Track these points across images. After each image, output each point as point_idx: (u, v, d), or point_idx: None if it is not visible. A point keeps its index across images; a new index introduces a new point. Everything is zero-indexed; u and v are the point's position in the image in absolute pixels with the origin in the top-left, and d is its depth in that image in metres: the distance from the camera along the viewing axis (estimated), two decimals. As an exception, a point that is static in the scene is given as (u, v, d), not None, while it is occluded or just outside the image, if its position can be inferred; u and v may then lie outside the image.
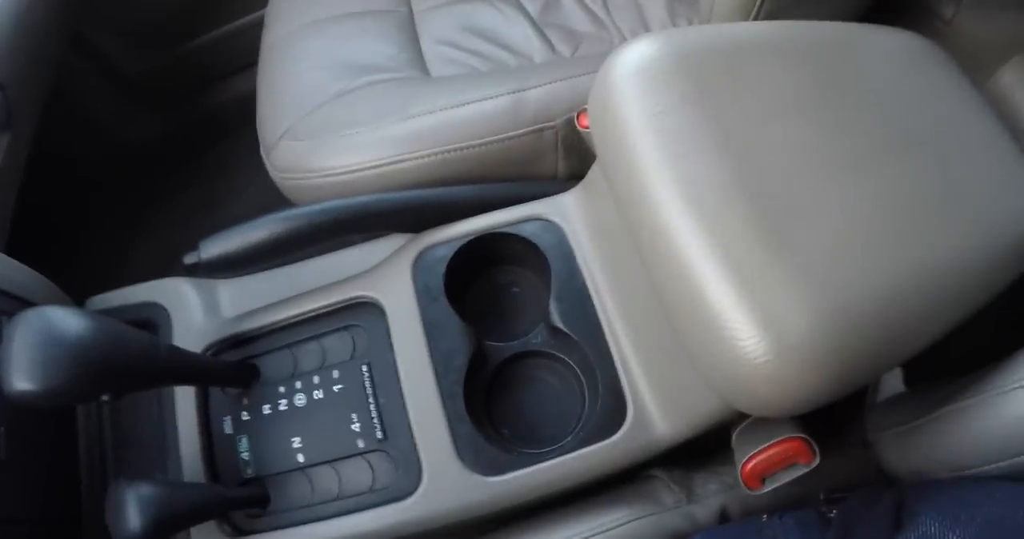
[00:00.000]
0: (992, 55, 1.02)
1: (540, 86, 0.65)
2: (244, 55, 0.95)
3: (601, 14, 0.80)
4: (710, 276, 0.40)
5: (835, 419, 0.57)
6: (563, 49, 0.76)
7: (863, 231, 0.42)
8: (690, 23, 0.79)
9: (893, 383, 0.68)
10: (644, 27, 0.79)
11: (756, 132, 0.45)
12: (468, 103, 0.64)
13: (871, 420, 0.54)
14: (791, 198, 0.42)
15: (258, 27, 0.86)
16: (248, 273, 0.63)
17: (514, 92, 0.65)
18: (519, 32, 0.76)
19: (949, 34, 1.05)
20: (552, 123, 0.64)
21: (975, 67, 1.02)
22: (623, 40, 0.77)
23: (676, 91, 0.45)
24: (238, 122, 0.92)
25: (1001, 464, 0.40)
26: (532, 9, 0.80)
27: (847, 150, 0.45)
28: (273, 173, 0.70)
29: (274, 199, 0.70)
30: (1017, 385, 0.39)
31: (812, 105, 0.47)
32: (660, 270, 0.44)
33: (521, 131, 0.63)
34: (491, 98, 0.64)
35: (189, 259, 0.56)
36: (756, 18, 0.66)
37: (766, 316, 0.38)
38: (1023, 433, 0.39)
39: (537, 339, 0.58)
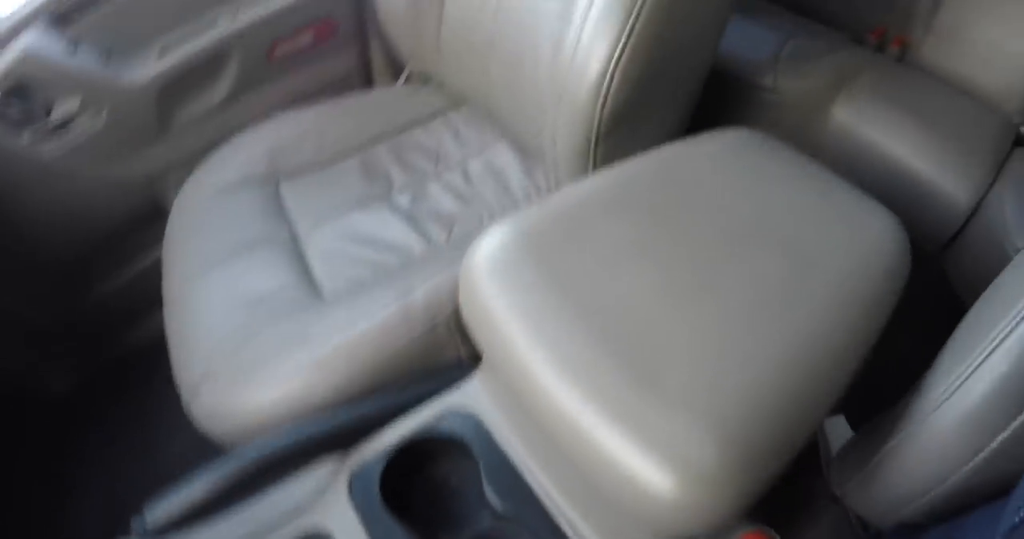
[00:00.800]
0: (821, 100, 1.18)
1: (424, 284, 0.72)
2: (152, 296, 0.99)
3: (466, 191, 0.89)
4: (602, 432, 0.45)
5: (797, 482, 0.62)
6: (439, 235, 0.84)
7: (727, 346, 0.48)
8: (545, 177, 0.89)
9: (840, 430, 0.73)
10: (506, 191, 0.89)
11: (605, 288, 0.52)
12: (363, 321, 0.70)
13: (832, 476, 0.59)
14: (653, 339, 0.48)
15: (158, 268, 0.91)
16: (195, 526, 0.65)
17: (401, 297, 0.71)
18: (396, 231, 0.84)
19: (777, 97, 1.22)
20: (442, 316, 0.70)
21: (810, 115, 1.18)
22: (491, 210, 0.87)
23: (527, 274, 0.53)
24: (157, 363, 0.95)
25: (959, 478, 0.45)
26: (403, 202, 0.88)
27: (690, 274, 0.53)
28: (197, 422, 0.72)
29: (205, 438, 0.72)
30: (942, 401, 0.45)
31: (649, 243, 0.55)
32: (560, 436, 0.49)
33: (416, 334, 0.69)
34: (382, 309, 0.70)
35: (136, 527, 0.57)
36: (594, 161, 0.77)
37: (663, 454, 0.43)
38: (963, 440, 0.44)
39: (483, 524, 0.61)
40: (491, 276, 0.53)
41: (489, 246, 0.55)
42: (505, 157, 0.93)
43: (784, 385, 0.47)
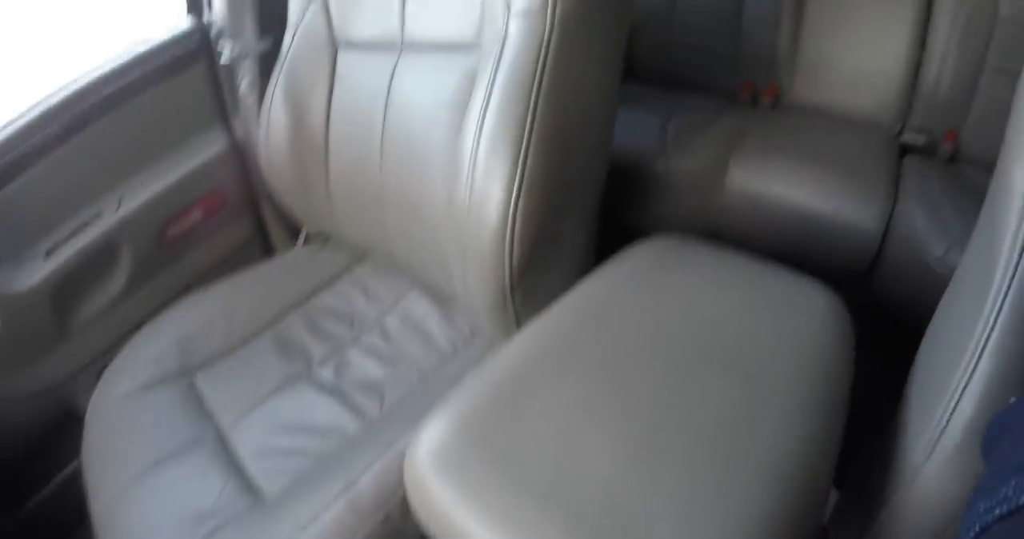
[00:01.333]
0: (715, 170, 1.23)
1: (367, 471, 0.68)
2: (75, 512, 0.89)
3: (389, 352, 0.87)
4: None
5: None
6: (371, 408, 0.80)
7: (700, 501, 0.46)
8: (466, 320, 0.88)
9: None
10: (430, 344, 0.87)
11: (560, 463, 0.49)
12: (312, 526, 0.65)
13: None
14: (620, 511, 0.46)
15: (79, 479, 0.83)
16: None
17: (346, 491, 0.67)
18: (325, 411, 0.80)
19: (674, 179, 1.25)
20: (393, 503, 0.66)
21: (708, 187, 1.23)
22: (419, 369, 0.84)
23: (476, 466, 0.50)
24: None
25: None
26: (326, 377, 0.85)
27: (645, 426, 0.51)
28: None
29: None
30: (927, 456, 0.45)
31: (596, 400, 0.53)
32: None
33: (370, 529, 0.65)
34: (329, 508, 0.66)
35: None
36: (514, 305, 0.76)
37: None
38: (958, 491, 0.43)
39: None
40: (438, 475, 0.50)
41: (431, 441, 0.52)
42: (421, 306, 0.92)
43: (772, 516, 0.46)
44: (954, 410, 0.45)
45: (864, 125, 1.38)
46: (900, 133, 1.37)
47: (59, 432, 1.06)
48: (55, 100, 1.04)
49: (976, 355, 0.45)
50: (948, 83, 1.31)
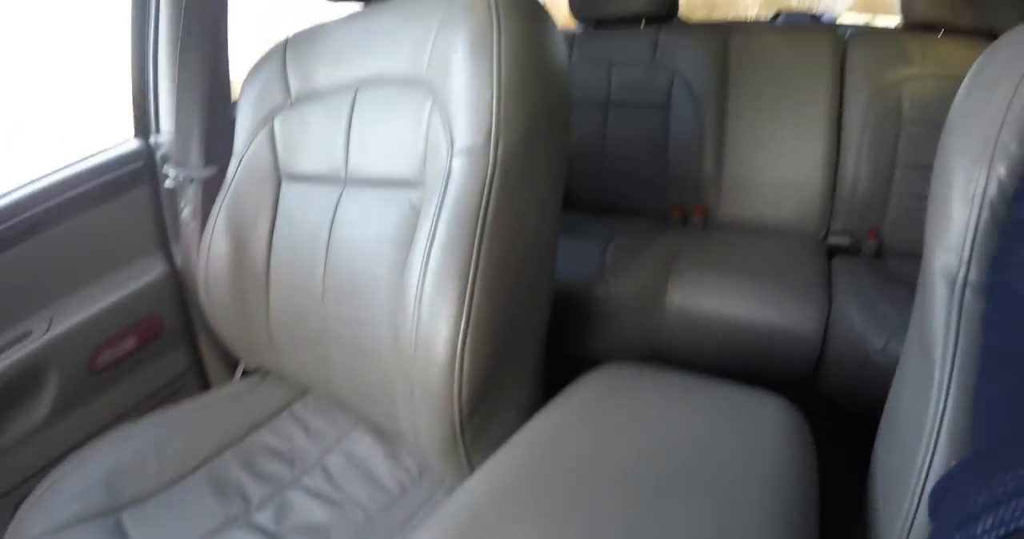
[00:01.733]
0: (653, 292, 1.24)
1: None
2: None
3: (333, 494, 0.80)
4: None
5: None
6: (312, 558, 0.73)
7: None
8: (412, 458, 0.83)
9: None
10: (375, 485, 0.82)
11: None
12: None
13: None
14: None
15: None
16: None
17: None
18: None
19: (614, 304, 1.25)
20: None
21: (648, 308, 1.24)
22: (366, 511, 0.78)
23: None
24: None
25: None
26: (265, 522, 0.77)
27: None
28: None
29: None
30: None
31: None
32: None
33: None
34: None
35: None
36: (464, 444, 0.72)
37: None
38: None
39: None
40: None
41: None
42: (365, 445, 0.86)
43: None
44: (920, 498, 0.46)
45: (791, 234, 1.46)
46: (826, 237, 1.45)
47: None
48: None
49: (932, 440, 0.45)
50: (864, 183, 1.42)
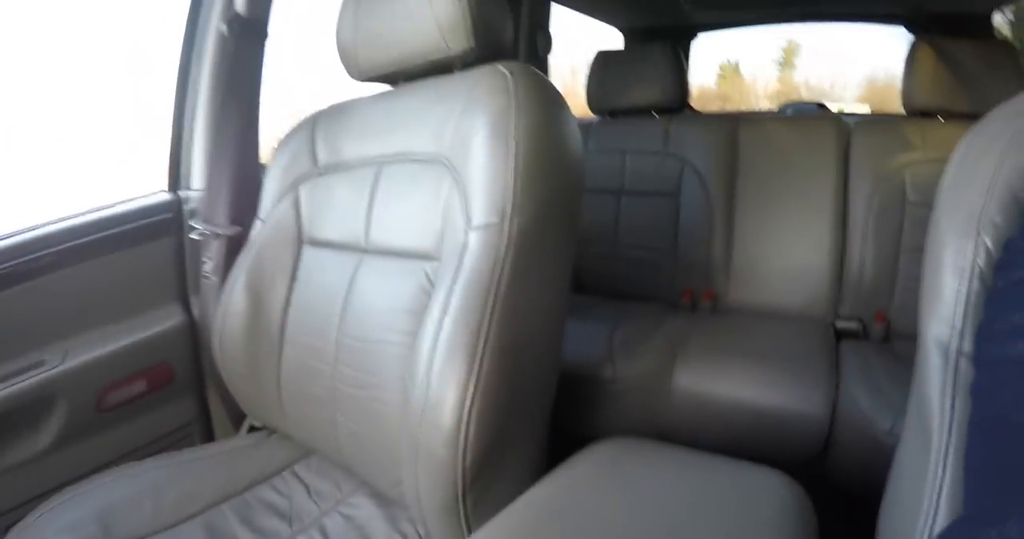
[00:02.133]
0: (660, 375, 1.25)
1: None
2: None
3: None
4: None
5: None
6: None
7: None
8: (413, 525, 0.82)
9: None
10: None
11: None
12: None
13: None
14: None
15: None
16: None
17: None
18: None
19: (621, 386, 1.26)
20: None
21: (654, 391, 1.25)
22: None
23: None
24: None
25: None
26: None
27: None
28: None
29: None
30: None
31: None
32: None
33: None
34: None
35: None
36: (465, 511, 0.72)
37: None
38: None
39: None
40: None
41: None
42: (365, 509, 0.86)
43: None
44: None
45: (800, 319, 1.47)
46: (834, 321, 1.46)
47: None
48: (23, 238, 1.06)
49: (932, 510, 0.46)
50: (871, 268, 1.45)
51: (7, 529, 0.86)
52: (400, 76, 0.92)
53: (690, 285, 1.62)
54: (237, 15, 1.13)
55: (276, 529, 0.85)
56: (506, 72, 0.75)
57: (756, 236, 1.56)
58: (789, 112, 2.01)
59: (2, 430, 0.99)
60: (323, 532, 0.84)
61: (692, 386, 1.26)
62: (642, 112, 1.78)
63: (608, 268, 1.74)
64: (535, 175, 0.71)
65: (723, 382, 1.24)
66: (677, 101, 1.73)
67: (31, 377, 1.02)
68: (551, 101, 0.75)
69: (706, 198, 1.59)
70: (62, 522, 0.83)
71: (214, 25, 1.20)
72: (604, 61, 1.82)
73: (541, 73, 0.78)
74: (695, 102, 1.82)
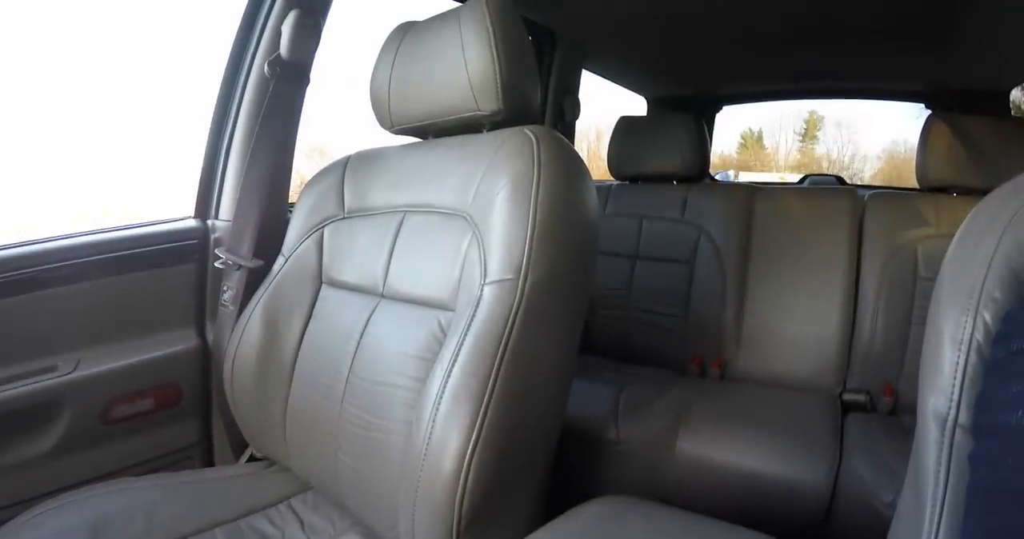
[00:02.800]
0: (664, 440, 1.26)
1: None
2: None
3: None
4: None
5: None
6: None
7: None
8: None
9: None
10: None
11: None
12: None
13: None
14: None
15: None
16: None
17: None
18: None
19: (624, 448, 1.27)
20: None
21: (657, 455, 1.25)
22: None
23: None
24: None
25: None
26: None
27: None
28: None
29: None
30: None
31: None
32: None
33: None
34: None
35: None
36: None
37: None
38: None
39: None
40: None
41: None
42: None
43: None
44: None
45: (807, 389, 1.48)
46: (841, 393, 1.47)
47: None
48: (53, 245, 1.11)
49: None
50: (880, 340, 1.45)
51: None
52: (431, 130, 0.97)
53: (700, 351, 1.64)
54: (280, 58, 1.19)
55: None
56: (531, 136, 0.79)
57: (768, 305, 1.58)
58: (808, 183, 2.06)
59: (6, 429, 1.01)
60: None
61: (695, 451, 1.26)
62: (662, 179, 1.82)
63: (619, 330, 1.76)
64: (551, 236, 0.74)
65: (726, 449, 1.24)
66: (697, 171, 1.78)
67: (41, 381, 1.06)
68: (572, 166, 0.79)
69: (720, 266, 1.62)
70: (54, 526, 0.84)
71: (257, 65, 1.27)
72: (626, 127, 1.88)
73: (564, 138, 0.82)
74: (714, 170, 1.87)
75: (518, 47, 0.85)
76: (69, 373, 1.09)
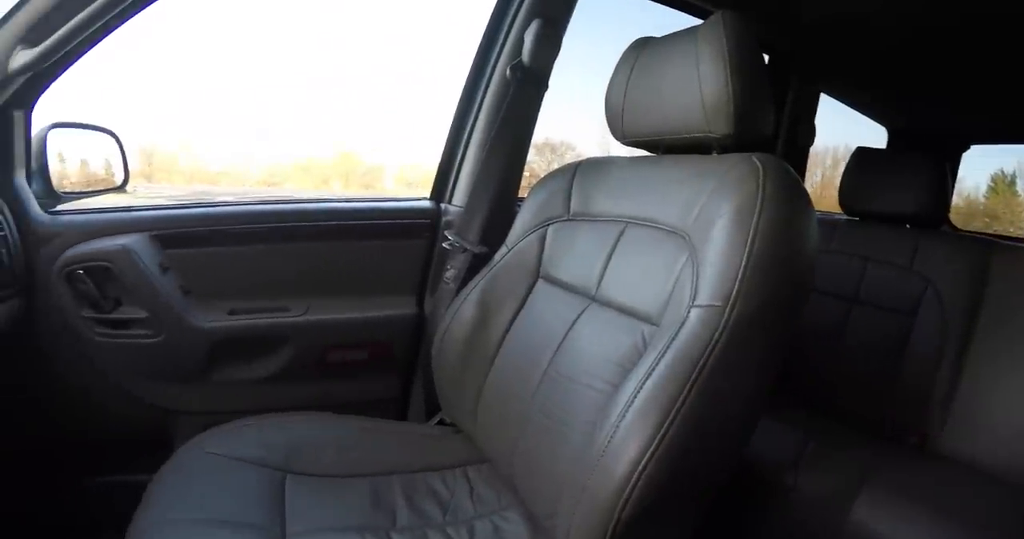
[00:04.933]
0: (841, 499, 1.18)
1: None
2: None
3: None
4: None
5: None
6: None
7: None
8: None
9: None
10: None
11: None
12: None
13: None
14: None
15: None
16: None
17: None
18: None
19: (798, 496, 1.22)
20: None
21: (830, 513, 1.18)
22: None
23: None
24: None
25: None
26: None
27: None
28: None
29: None
30: None
31: None
32: None
33: None
34: None
35: None
36: None
37: None
38: None
39: None
40: None
41: None
42: (514, 527, 0.92)
43: None
44: None
45: (1017, 486, 1.28)
46: None
47: (140, 447, 1.21)
48: (303, 207, 1.33)
49: None
50: None
51: (204, 427, 1.05)
52: (661, 146, 1.00)
53: (901, 415, 1.47)
54: (521, 63, 1.29)
55: (431, 513, 0.94)
56: (758, 164, 0.78)
57: (990, 381, 1.38)
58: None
59: (245, 349, 1.23)
60: (471, 532, 0.91)
61: (869, 522, 1.15)
62: (894, 219, 1.68)
63: (819, 375, 1.64)
64: (766, 269, 0.73)
65: (904, 530, 1.12)
66: (933, 216, 1.60)
67: (276, 317, 1.27)
68: (796, 199, 0.77)
69: (943, 326, 1.44)
70: (257, 438, 1.00)
71: (499, 69, 1.38)
72: (862, 159, 1.74)
73: (791, 170, 0.80)
74: (956, 215, 1.66)
75: (754, 71, 0.84)
76: (298, 316, 1.28)
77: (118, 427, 1.24)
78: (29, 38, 0.96)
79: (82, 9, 0.91)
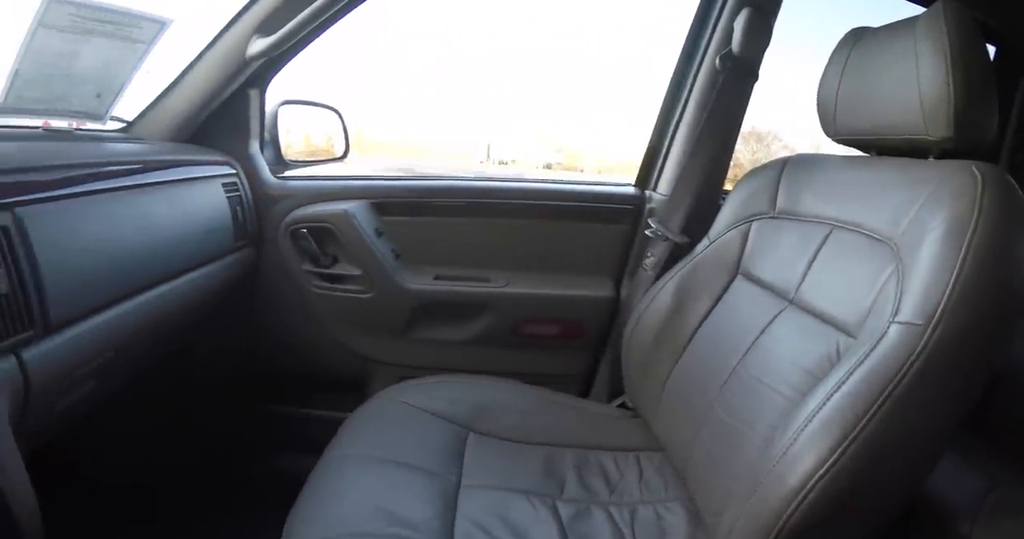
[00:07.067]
0: None
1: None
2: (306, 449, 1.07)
3: (626, 534, 0.89)
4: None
5: None
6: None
7: None
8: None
9: None
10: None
11: None
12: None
13: None
14: None
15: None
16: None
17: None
18: (545, 534, 0.85)
19: None
20: None
21: None
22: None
23: None
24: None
25: None
26: (565, 514, 0.90)
27: None
28: None
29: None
30: None
31: None
32: None
33: None
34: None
35: None
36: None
37: None
38: None
39: None
40: None
41: None
42: (678, 518, 0.92)
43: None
44: None
45: None
46: None
47: (334, 389, 1.41)
48: (509, 184, 1.43)
49: None
50: None
51: (400, 378, 1.17)
52: (874, 146, 0.93)
53: None
54: (731, 53, 1.25)
55: (597, 489, 0.98)
56: (978, 175, 0.71)
57: None
58: None
59: (450, 312, 1.36)
60: (633, 515, 0.93)
61: None
62: None
63: (1018, 413, 1.43)
64: (976, 290, 0.66)
65: None
66: None
67: (477, 286, 1.38)
68: (1015, 219, 0.69)
69: None
70: (447, 395, 1.10)
71: (709, 59, 1.36)
72: None
73: (1014, 184, 0.71)
74: None
75: (978, 70, 0.75)
76: (498, 287, 1.38)
77: (322, 368, 1.44)
78: (263, 28, 1.15)
79: (308, 5, 1.07)
